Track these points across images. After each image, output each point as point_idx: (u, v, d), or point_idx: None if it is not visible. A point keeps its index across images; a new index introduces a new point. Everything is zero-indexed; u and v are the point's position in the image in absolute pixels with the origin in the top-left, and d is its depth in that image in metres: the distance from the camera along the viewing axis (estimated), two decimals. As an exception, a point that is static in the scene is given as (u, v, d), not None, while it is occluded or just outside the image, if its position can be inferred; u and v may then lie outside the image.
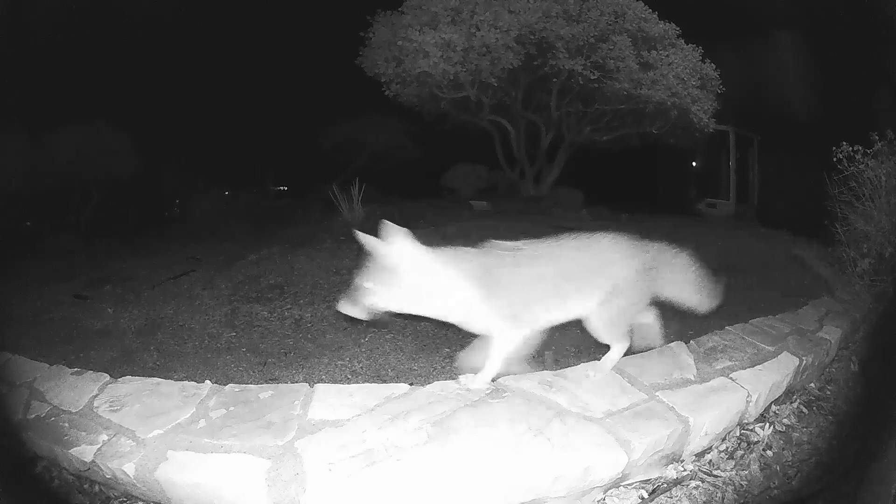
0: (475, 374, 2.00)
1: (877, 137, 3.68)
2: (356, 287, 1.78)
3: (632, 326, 2.16)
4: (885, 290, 3.27)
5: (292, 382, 2.12)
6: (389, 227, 1.73)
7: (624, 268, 2.01)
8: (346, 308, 1.80)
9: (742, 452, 1.94)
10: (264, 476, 1.56)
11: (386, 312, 1.84)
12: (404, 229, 1.75)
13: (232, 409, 1.89)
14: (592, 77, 5.67)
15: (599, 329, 2.05)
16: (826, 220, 3.88)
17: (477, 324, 1.93)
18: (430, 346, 2.45)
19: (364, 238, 1.74)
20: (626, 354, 2.29)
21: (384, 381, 2.08)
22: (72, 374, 2.20)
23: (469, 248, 1.92)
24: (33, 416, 1.95)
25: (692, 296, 2.24)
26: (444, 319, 1.92)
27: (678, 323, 2.71)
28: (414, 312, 1.87)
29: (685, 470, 1.85)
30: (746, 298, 3.11)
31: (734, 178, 7.87)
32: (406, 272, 1.76)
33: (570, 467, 1.60)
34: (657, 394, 1.99)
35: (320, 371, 2.27)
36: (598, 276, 1.99)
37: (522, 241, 1.98)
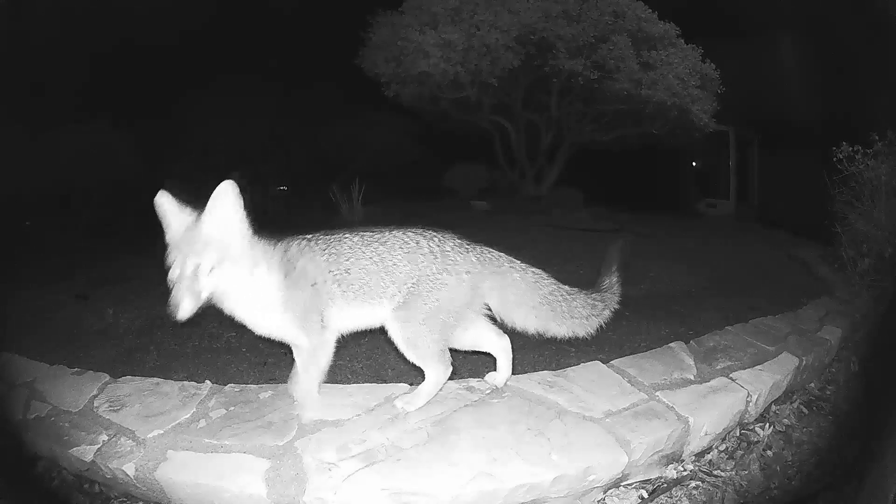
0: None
1: (877, 137, 3.68)
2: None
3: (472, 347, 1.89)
4: (885, 290, 3.26)
5: (292, 382, 2.11)
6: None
7: (429, 263, 1.74)
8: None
9: (742, 452, 1.94)
10: (264, 476, 1.56)
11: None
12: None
13: (232, 409, 1.89)
14: (592, 77, 5.68)
15: (402, 342, 1.77)
16: (826, 220, 3.88)
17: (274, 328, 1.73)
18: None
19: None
20: (625, 354, 2.29)
21: (384, 381, 2.08)
22: (72, 374, 2.20)
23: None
24: (33, 416, 1.95)
25: (548, 324, 1.88)
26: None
27: (678, 323, 2.71)
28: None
29: (685, 470, 1.85)
30: (746, 298, 3.11)
31: (734, 178, 7.87)
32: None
33: (570, 467, 1.60)
34: (657, 394, 1.99)
35: (320, 371, 2.26)
36: (404, 268, 1.73)
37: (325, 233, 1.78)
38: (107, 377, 2.15)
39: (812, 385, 2.43)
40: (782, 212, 6.21)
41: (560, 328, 1.89)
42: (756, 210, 7.51)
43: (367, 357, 2.38)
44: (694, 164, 8.30)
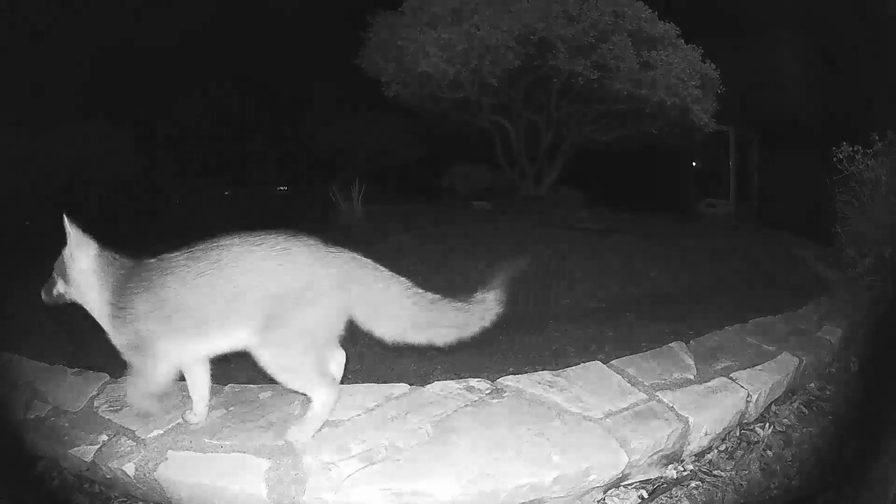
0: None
1: (877, 137, 3.68)
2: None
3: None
4: (884, 291, 3.26)
5: (292, 382, 2.11)
6: (73, 233, 1.78)
7: (295, 280, 1.58)
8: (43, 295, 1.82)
9: (742, 452, 1.94)
10: (264, 476, 1.56)
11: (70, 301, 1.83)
12: (88, 241, 1.80)
13: (232, 408, 1.90)
14: (592, 77, 5.66)
15: (279, 370, 1.63)
16: (826, 220, 3.88)
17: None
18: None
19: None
20: (625, 354, 2.29)
21: (384, 382, 2.08)
22: (72, 374, 2.21)
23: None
24: (34, 416, 1.95)
25: (406, 333, 1.74)
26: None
27: (678, 323, 2.71)
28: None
29: (685, 470, 1.85)
30: (746, 298, 3.11)
31: (734, 179, 7.87)
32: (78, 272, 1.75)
33: (570, 467, 1.60)
34: (657, 394, 1.99)
35: (320, 371, 2.26)
36: (254, 290, 1.57)
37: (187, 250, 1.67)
38: (107, 377, 2.15)
39: (812, 385, 2.43)
40: (782, 212, 6.22)
41: (417, 336, 1.75)
42: (756, 210, 7.51)
43: (366, 357, 2.37)
44: (694, 164, 8.29)
